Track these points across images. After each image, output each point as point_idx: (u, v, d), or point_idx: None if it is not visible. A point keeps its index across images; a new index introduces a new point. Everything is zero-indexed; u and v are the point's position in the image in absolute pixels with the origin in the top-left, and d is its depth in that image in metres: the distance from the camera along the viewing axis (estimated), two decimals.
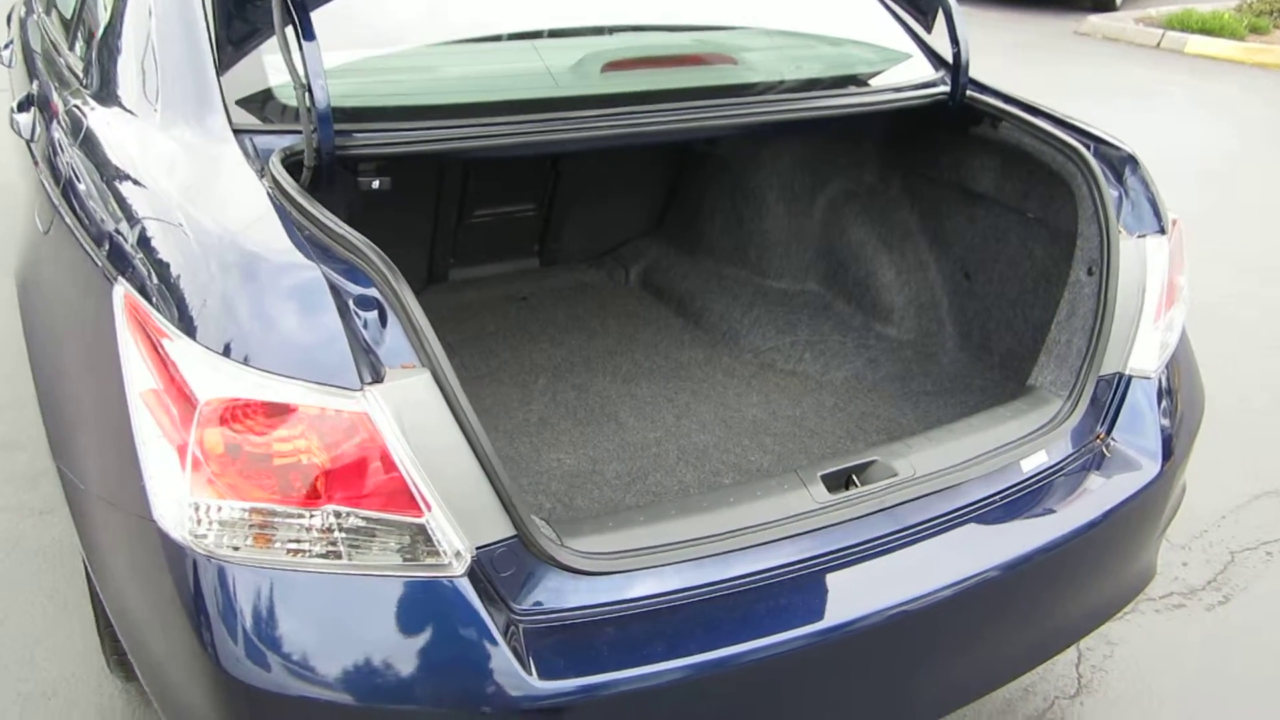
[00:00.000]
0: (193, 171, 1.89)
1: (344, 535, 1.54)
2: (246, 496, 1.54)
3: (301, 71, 1.87)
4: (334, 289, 1.60)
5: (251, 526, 1.55)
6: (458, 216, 3.29)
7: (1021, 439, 2.11)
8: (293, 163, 1.92)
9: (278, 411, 1.53)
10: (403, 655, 1.55)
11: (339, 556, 1.56)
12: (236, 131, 1.97)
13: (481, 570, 1.61)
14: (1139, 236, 2.26)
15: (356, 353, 1.55)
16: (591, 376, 2.96)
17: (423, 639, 1.54)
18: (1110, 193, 2.27)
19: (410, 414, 1.56)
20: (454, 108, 2.19)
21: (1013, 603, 2.02)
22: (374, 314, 1.61)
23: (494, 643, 1.57)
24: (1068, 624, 2.21)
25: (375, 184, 2.09)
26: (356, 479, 1.53)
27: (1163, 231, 2.30)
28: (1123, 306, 2.22)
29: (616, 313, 3.36)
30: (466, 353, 3.06)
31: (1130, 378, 2.23)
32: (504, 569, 1.64)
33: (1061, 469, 2.12)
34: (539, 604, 1.66)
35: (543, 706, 1.58)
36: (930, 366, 2.98)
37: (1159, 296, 2.25)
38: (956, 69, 2.59)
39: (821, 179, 3.25)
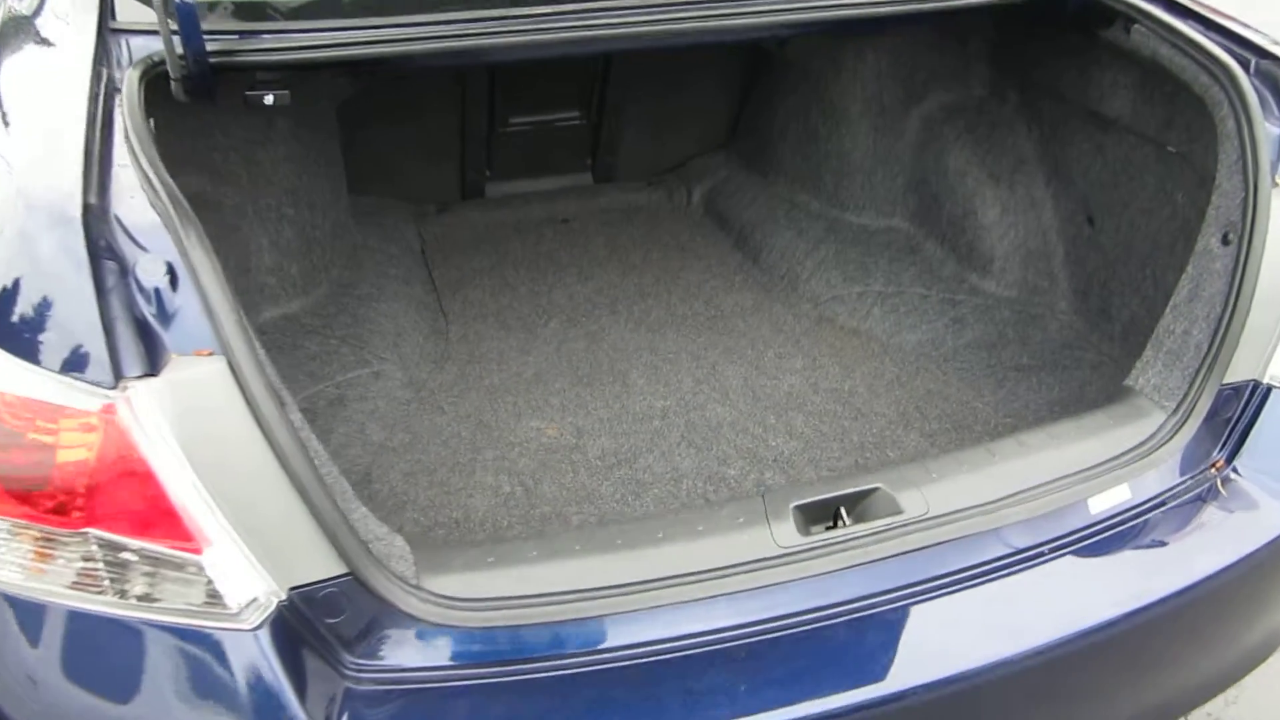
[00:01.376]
0: (21, 80, 1.55)
1: (107, 568, 1.21)
2: (5, 512, 1.22)
3: None
4: (113, 253, 1.24)
5: (20, 549, 1.24)
6: (488, 125, 2.86)
7: (1098, 467, 1.56)
8: (161, 74, 1.55)
9: (30, 408, 1.19)
10: None
11: (120, 595, 1.23)
12: (115, 31, 1.61)
13: (297, 618, 1.26)
14: None
15: (121, 336, 1.19)
16: (613, 321, 2.52)
17: (191, 712, 1.20)
18: (1268, 131, 1.63)
19: (193, 418, 1.19)
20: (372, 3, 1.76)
21: (1067, 690, 1.52)
22: (165, 285, 1.24)
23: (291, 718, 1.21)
24: (1150, 708, 1.68)
25: (269, 99, 1.70)
26: (112, 499, 1.18)
27: None
28: (1267, 291, 1.60)
29: (665, 243, 2.88)
30: (478, 285, 2.67)
31: (1270, 389, 1.63)
32: (332, 615, 1.28)
33: (1153, 509, 1.57)
34: (380, 661, 1.30)
35: None
36: (1031, 333, 2.39)
37: None
38: None
39: (917, 90, 2.63)
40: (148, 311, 1.22)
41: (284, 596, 1.24)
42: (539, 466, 2.04)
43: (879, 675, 1.36)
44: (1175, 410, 1.64)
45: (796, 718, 1.31)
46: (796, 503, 1.47)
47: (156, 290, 1.22)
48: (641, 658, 1.34)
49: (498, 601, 1.34)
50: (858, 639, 1.39)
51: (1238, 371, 1.63)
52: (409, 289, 2.55)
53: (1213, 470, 1.64)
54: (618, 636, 1.35)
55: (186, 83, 1.56)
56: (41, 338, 1.20)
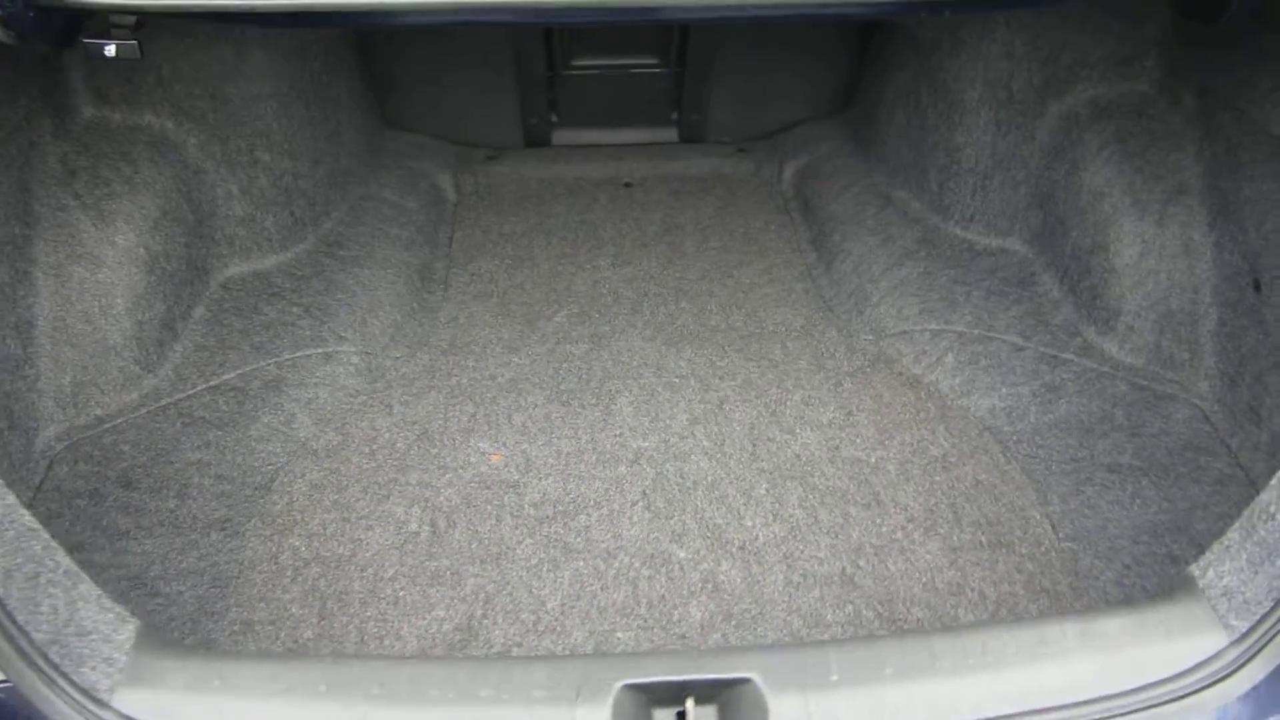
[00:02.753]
0: None
1: None
2: None
3: None
4: None
5: None
6: (548, 64, 2.48)
7: (1098, 701, 1.08)
8: None
9: None
10: None
11: None
12: None
13: None
14: None
15: None
16: (628, 324, 2.13)
17: None
18: None
19: None
20: None
21: None
22: None
23: None
24: None
25: (110, 50, 1.40)
26: None
27: None
28: None
29: (731, 229, 2.43)
30: (496, 254, 2.33)
31: None
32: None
33: None
34: None
35: None
36: (1149, 419, 1.81)
37: None
38: None
39: (1059, 79, 2.02)
40: None
41: None
42: (461, 503, 1.71)
43: None
44: (1246, 634, 1.11)
45: None
46: (627, 681, 1.08)
47: None
48: None
49: None
50: None
51: None
52: (406, 254, 2.24)
53: None
54: None
55: (11, 23, 1.28)
56: None
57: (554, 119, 2.68)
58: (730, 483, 1.75)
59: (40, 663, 1.02)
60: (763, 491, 1.73)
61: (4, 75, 1.61)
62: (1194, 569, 1.21)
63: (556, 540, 1.64)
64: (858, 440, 1.83)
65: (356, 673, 1.12)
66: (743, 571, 1.59)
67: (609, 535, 1.66)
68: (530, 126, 2.66)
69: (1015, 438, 1.82)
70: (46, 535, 1.11)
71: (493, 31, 2.35)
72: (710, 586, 1.57)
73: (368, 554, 1.62)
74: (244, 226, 2.07)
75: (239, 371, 1.91)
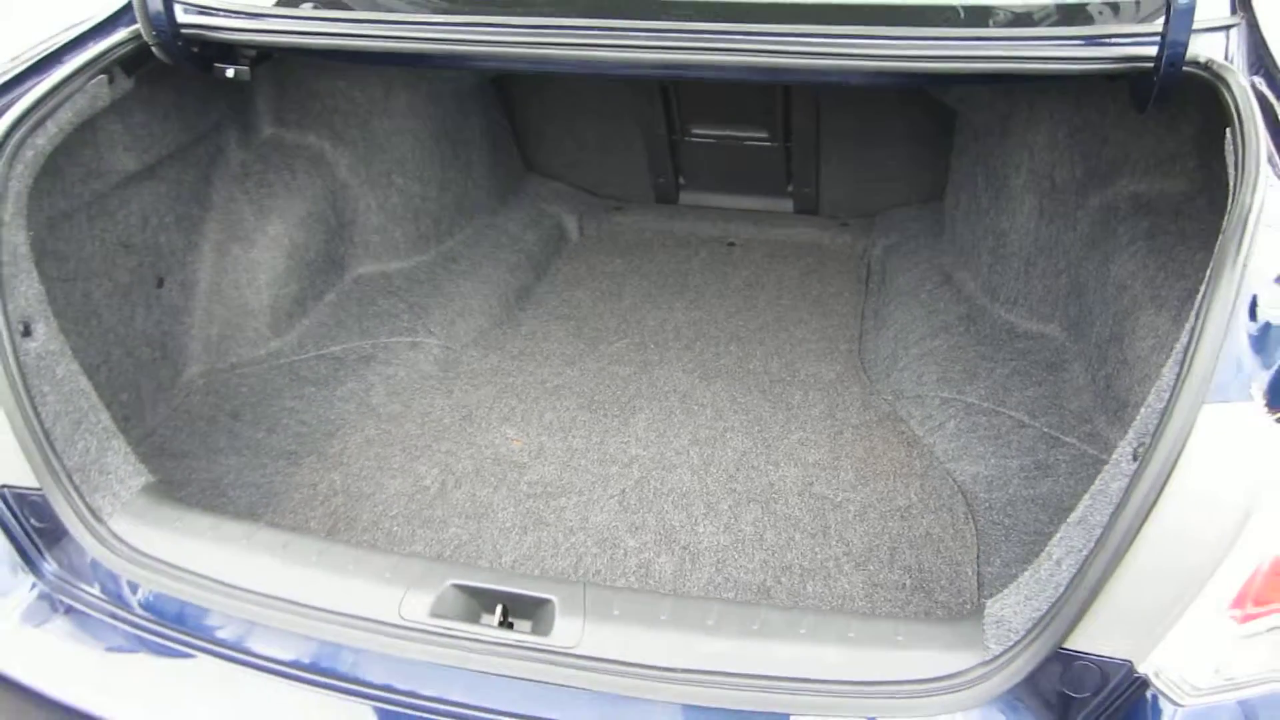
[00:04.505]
0: None
1: None
2: None
3: None
4: None
5: None
6: (668, 130, 2.80)
7: (836, 685, 1.21)
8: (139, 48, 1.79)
9: None
10: None
11: None
12: None
13: (9, 509, 1.45)
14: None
15: None
16: (677, 357, 2.37)
17: None
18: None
19: None
20: None
21: None
22: None
23: None
24: None
25: (230, 73, 1.85)
26: None
27: None
28: (1158, 544, 1.10)
29: (806, 292, 2.61)
30: (591, 287, 2.65)
31: (1143, 681, 1.12)
32: (39, 519, 1.46)
33: None
34: (64, 571, 1.45)
35: None
36: None
37: (1255, 558, 1.07)
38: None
39: (1100, 171, 2.08)
40: None
41: None
42: (472, 472, 2.02)
43: None
44: (996, 658, 1.20)
45: None
46: (455, 581, 1.34)
47: None
48: (227, 657, 1.34)
49: (166, 566, 1.41)
50: None
51: (1101, 640, 1.14)
52: (509, 276, 2.62)
53: None
54: (227, 632, 1.35)
55: (163, 50, 1.77)
56: None
57: (681, 181, 2.99)
58: (700, 496, 1.94)
59: (65, 482, 1.43)
60: (725, 508, 1.91)
61: (201, 93, 2.14)
62: (988, 599, 1.30)
63: (533, 513, 1.91)
64: (832, 481, 1.97)
65: (299, 542, 1.45)
66: (676, 566, 1.78)
67: (578, 517, 1.90)
68: (658, 185, 2.98)
69: (987, 504, 1.88)
70: (95, 398, 1.53)
71: (618, 94, 2.71)
72: (643, 572, 1.78)
73: (384, 496, 1.96)
74: (377, 235, 2.53)
75: (343, 346, 2.34)
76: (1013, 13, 1.67)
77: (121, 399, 2.04)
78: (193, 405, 2.18)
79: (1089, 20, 1.63)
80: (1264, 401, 1.07)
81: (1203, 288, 1.13)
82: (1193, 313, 1.12)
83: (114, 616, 1.40)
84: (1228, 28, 1.51)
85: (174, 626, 1.37)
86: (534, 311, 2.57)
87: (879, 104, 2.59)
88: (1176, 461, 1.07)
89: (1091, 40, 1.53)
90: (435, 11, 1.84)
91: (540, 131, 2.94)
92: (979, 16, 1.65)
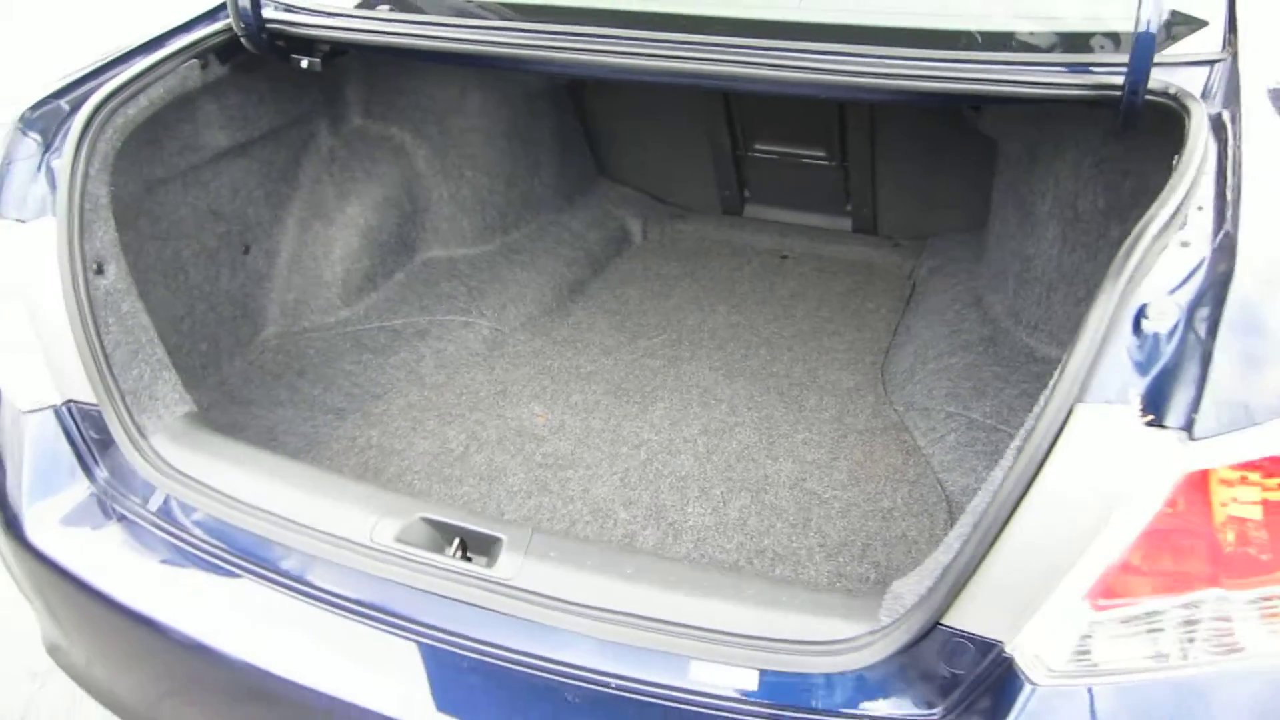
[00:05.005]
0: None
1: None
2: None
3: None
4: None
5: None
6: (732, 145, 2.93)
7: (741, 638, 1.32)
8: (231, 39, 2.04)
9: None
10: None
11: None
12: None
13: (71, 421, 1.70)
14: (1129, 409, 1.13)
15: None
16: (706, 354, 2.49)
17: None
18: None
19: (25, 259, 1.68)
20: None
21: None
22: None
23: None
24: None
25: (304, 64, 2.09)
26: None
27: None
28: (1026, 533, 1.17)
29: (847, 305, 2.69)
30: (643, 287, 2.80)
31: (1010, 661, 1.20)
32: (96, 431, 1.70)
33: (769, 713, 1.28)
34: (112, 478, 1.68)
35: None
36: None
37: (1114, 551, 1.13)
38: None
39: (1121, 202, 2.10)
40: None
41: (60, 403, 1.69)
42: (494, 440, 2.20)
43: (349, 674, 1.41)
44: (885, 628, 1.28)
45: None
46: (424, 515, 1.51)
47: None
48: (235, 566, 1.54)
49: (190, 480, 1.63)
50: (351, 638, 1.42)
51: (975, 619, 1.22)
52: (566, 270, 2.79)
53: None
54: (234, 540, 1.56)
55: (249, 41, 2.02)
56: None
57: (746, 194, 3.11)
58: (697, 480, 2.06)
59: (118, 401, 1.67)
60: (717, 493, 2.03)
61: (294, 82, 2.40)
62: (897, 578, 1.38)
63: (541, 481, 2.07)
64: (825, 479, 2.06)
65: (299, 469, 1.66)
66: (658, 539, 1.91)
67: (580, 488, 2.05)
68: (724, 198, 3.12)
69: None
70: (154, 334, 1.77)
71: (689, 107, 2.86)
72: (626, 541, 1.91)
73: (413, 454, 2.16)
74: (447, 222, 2.75)
75: (403, 320, 2.56)
76: (1020, 40, 1.74)
77: (201, 348, 2.30)
78: (265, 361, 2.43)
79: (1081, 49, 1.69)
80: (1139, 405, 1.13)
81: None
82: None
83: (139, 516, 1.63)
84: (1212, 62, 1.56)
85: (187, 531, 1.59)
86: (584, 304, 2.74)
87: (933, 129, 2.66)
88: (1046, 456, 1.14)
89: (1073, 67, 1.59)
90: (498, 18, 2.03)
91: (614, 138, 3.11)
92: (993, 41, 1.73)
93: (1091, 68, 1.57)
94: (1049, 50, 1.72)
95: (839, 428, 2.21)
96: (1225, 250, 1.18)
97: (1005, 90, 1.61)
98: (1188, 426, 1.09)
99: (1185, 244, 1.24)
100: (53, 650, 1.90)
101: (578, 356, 2.51)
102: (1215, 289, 1.14)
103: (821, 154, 2.85)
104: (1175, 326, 1.14)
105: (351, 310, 2.59)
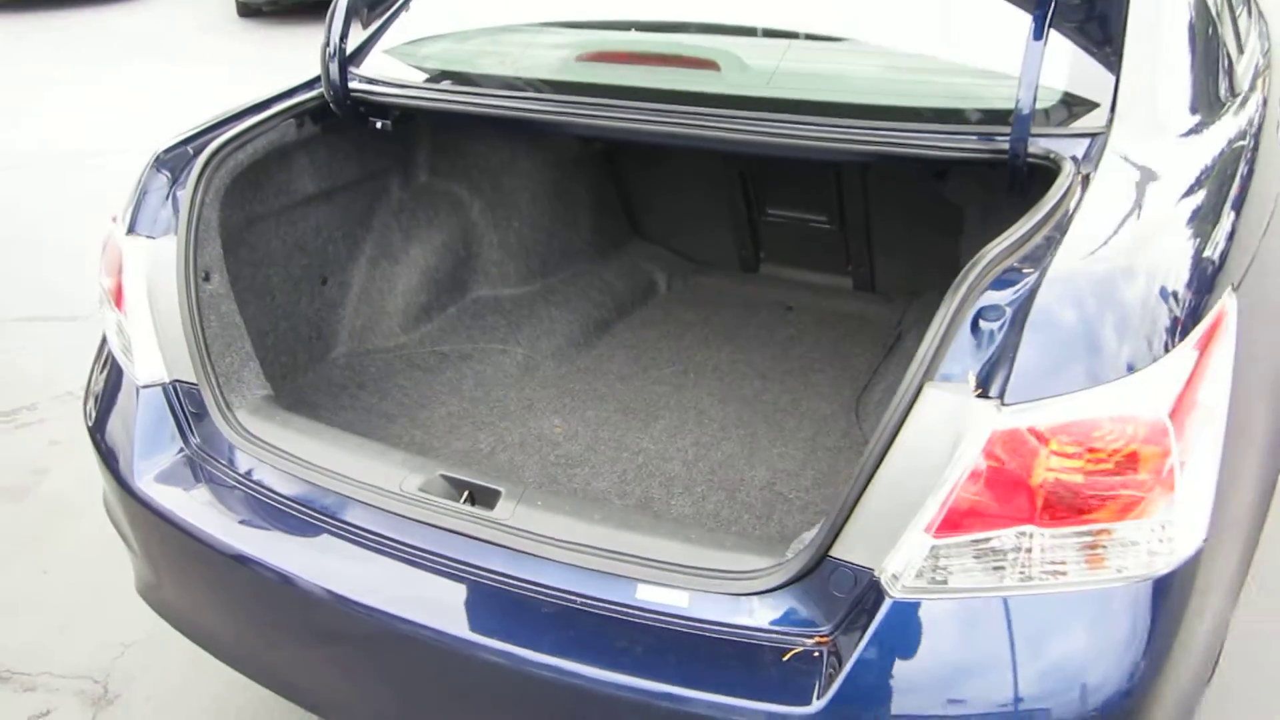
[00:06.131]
0: None
1: None
2: None
3: (337, 29, 2.46)
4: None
5: None
6: (747, 210, 3.34)
7: (665, 566, 1.67)
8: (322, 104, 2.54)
9: None
10: None
11: None
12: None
13: (174, 395, 2.14)
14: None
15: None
16: (706, 384, 2.87)
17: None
18: None
19: (153, 267, 2.15)
20: (477, 76, 2.51)
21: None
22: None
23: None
24: None
25: (379, 124, 2.56)
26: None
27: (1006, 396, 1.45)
28: (888, 482, 1.52)
29: (836, 349, 3.05)
30: (659, 328, 3.20)
31: (879, 583, 1.54)
32: (193, 406, 2.14)
33: (694, 629, 1.63)
34: (204, 443, 2.11)
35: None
36: None
37: (955, 482, 1.47)
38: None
39: None
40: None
41: (168, 380, 2.14)
42: (517, 444, 2.60)
43: (381, 591, 1.79)
44: (787, 561, 1.63)
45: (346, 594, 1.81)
46: (443, 473, 1.91)
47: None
48: (296, 513, 1.95)
49: (264, 444, 2.06)
50: (384, 565, 1.81)
51: (852, 551, 1.56)
52: (595, 311, 3.21)
53: (818, 642, 1.59)
54: (295, 490, 1.97)
55: (336, 106, 2.51)
56: None
57: (761, 254, 3.51)
58: (682, 480, 2.43)
59: (214, 382, 2.11)
60: (699, 491, 2.39)
61: (374, 145, 2.89)
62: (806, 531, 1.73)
63: (551, 475, 2.46)
64: (793, 484, 2.41)
65: (348, 438, 2.07)
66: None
67: (583, 483, 2.43)
68: (742, 257, 3.52)
69: None
70: (244, 331, 2.22)
71: (712, 176, 3.28)
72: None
73: (448, 451, 2.56)
74: (496, 267, 3.20)
75: (451, 346, 3.00)
76: (948, 113, 2.12)
77: (281, 360, 2.76)
78: (333, 375, 2.88)
79: (994, 122, 2.05)
80: (973, 384, 1.49)
81: None
82: None
83: (223, 472, 2.06)
84: (1093, 135, 1.92)
85: (260, 484, 2.01)
86: (607, 340, 3.15)
87: (915, 198, 3.03)
88: (902, 423, 1.50)
89: (982, 136, 1.97)
90: (533, 90, 2.49)
91: (646, 203, 3.56)
92: (910, 113, 2.11)
93: (994, 137, 1.95)
94: (969, 123, 2.10)
95: (811, 445, 2.56)
96: (1043, 268, 1.54)
97: (936, 154, 1.99)
98: (1000, 395, 1.45)
99: (1021, 262, 1.60)
100: (145, 590, 2.32)
101: (596, 382, 2.91)
102: (1028, 297, 1.50)
103: (824, 219, 3.25)
104: (1003, 325, 1.50)
105: (409, 336, 3.03)
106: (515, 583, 1.72)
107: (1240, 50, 2.60)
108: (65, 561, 3.18)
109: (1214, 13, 2.34)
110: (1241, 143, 2.11)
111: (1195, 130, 2.00)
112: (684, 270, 3.58)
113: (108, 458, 2.17)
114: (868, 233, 3.20)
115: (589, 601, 1.68)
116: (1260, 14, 3.64)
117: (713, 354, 3.06)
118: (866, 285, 3.38)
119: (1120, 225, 1.68)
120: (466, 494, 1.88)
